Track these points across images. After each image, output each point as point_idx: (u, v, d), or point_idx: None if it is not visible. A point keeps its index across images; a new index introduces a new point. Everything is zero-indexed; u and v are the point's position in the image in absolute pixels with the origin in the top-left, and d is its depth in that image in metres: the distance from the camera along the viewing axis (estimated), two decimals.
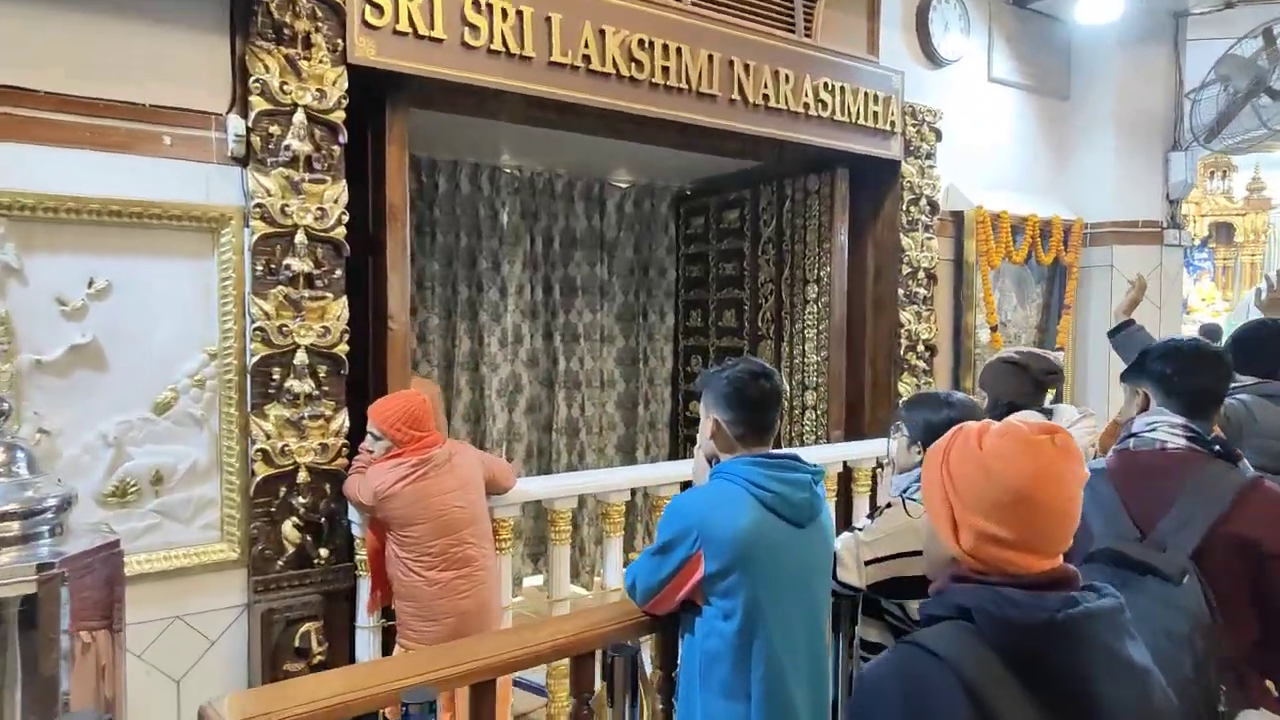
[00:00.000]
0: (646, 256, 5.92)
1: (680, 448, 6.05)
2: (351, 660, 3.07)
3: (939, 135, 4.80)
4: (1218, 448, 1.88)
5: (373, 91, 3.20)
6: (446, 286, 5.12)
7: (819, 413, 4.88)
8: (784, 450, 1.97)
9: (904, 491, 2.15)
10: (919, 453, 2.14)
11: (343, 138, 3.04)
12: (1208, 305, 10.78)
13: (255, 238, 2.87)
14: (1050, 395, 3.14)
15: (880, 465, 4.14)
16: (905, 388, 4.74)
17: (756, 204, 5.32)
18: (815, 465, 1.96)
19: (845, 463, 4.24)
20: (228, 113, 2.88)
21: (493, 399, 5.25)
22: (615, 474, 4.06)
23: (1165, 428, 1.94)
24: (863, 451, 4.33)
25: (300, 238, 2.94)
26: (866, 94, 4.41)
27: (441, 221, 5.06)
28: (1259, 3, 5.22)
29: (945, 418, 2.11)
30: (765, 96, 4.04)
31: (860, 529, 2.15)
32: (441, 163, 5.01)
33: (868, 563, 2.05)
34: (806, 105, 4.19)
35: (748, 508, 1.82)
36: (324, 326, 3.00)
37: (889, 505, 2.15)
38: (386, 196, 3.32)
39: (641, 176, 5.79)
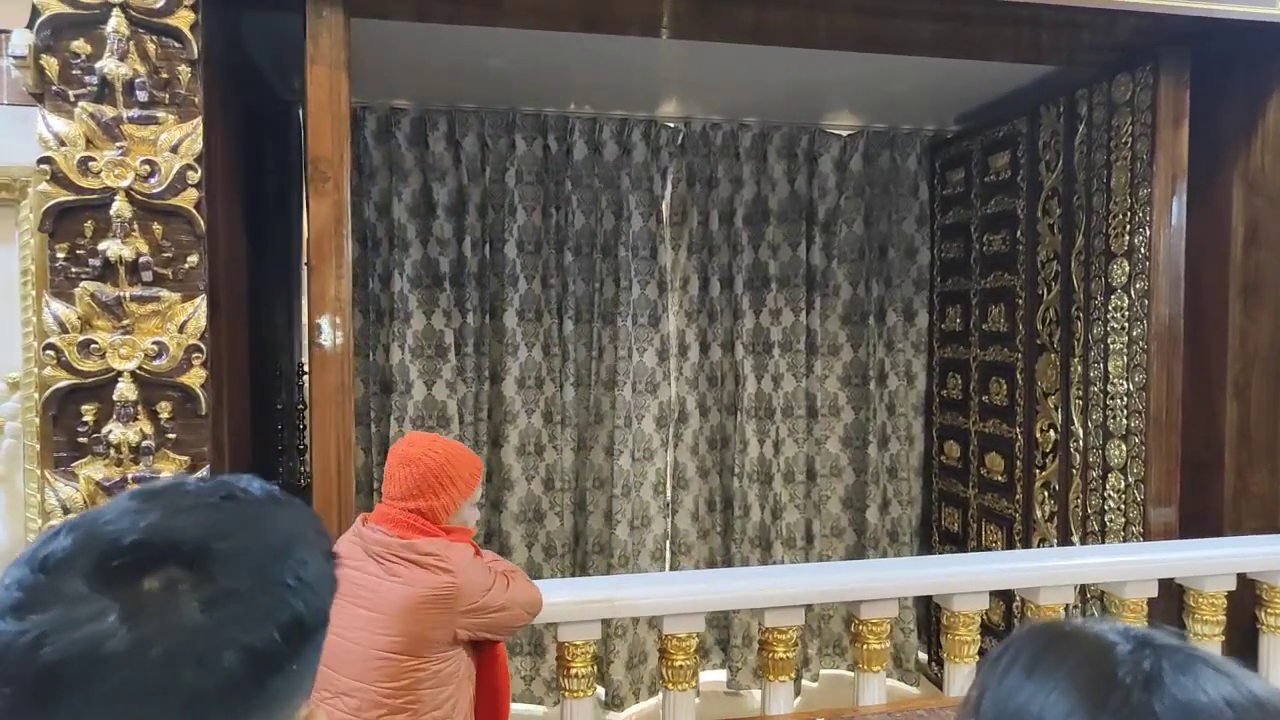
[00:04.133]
0: (885, 232, 4.17)
1: (934, 506, 4.22)
2: None
3: None
4: None
5: None
6: (588, 281, 3.90)
7: (1130, 479, 2.86)
8: None
9: None
10: None
11: (192, 50, 1.97)
12: None
13: (46, 209, 1.91)
14: None
15: None
16: None
17: (1034, 138, 3.37)
18: None
19: (1174, 583, 2.41)
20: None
21: (650, 432, 3.93)
22: None
23: None
24: (1206, 563, 2.42)
25: (119, 208, 1.92)
26: None
27: (580, 198, 3.85)
28: None
29: None
30: None
31: None
32: (580, 120, 3.80)
33: None
34: None
35: None
36: (156, 343, 1.95)
37: None
38: (309, 145, 2.20)
39: (873, 117, 4.07)
